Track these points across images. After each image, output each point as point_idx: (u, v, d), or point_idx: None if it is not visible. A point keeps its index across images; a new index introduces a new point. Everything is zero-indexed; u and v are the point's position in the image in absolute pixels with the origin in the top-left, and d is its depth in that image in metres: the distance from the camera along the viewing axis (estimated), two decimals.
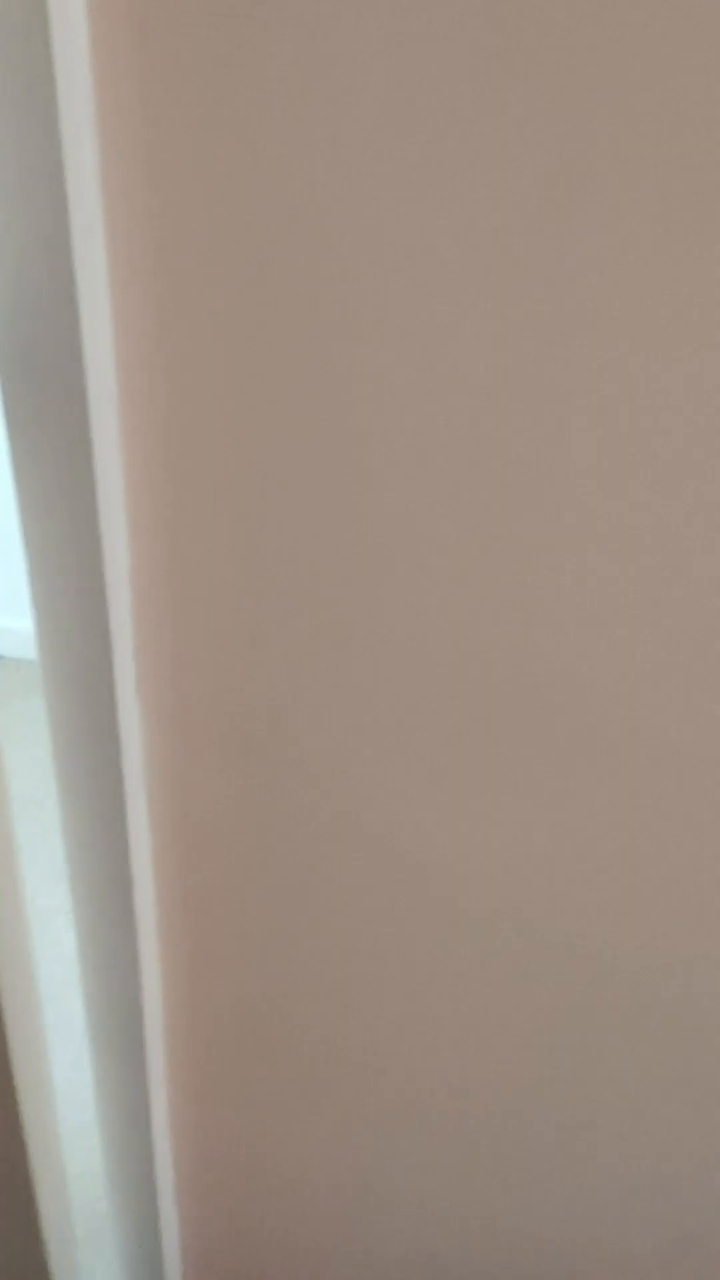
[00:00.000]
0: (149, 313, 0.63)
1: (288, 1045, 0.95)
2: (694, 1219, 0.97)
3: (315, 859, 0.83)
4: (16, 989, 0.78)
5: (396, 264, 0.60)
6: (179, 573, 0.73)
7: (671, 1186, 0.95)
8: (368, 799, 0.79)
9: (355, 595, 0.71)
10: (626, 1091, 0.90)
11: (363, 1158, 1.02)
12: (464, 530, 0.67)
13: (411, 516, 0.68)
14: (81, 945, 0.89)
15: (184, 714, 0.78)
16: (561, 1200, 0.99)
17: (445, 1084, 0.94)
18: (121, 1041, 0.94)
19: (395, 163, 0.57)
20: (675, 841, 0.76)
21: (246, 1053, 0.97)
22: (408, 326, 0.62)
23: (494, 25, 0.54)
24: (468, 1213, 1.03)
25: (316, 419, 0.65)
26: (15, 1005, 0.78)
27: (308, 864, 0.84)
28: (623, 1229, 1.00)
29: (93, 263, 0.59)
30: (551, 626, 0.69)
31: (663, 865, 0.77)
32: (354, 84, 0.56)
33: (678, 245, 0.57)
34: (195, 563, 0.72)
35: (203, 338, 0.64)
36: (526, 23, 0.53)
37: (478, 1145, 0.97)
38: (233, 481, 0.69)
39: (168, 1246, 1.12)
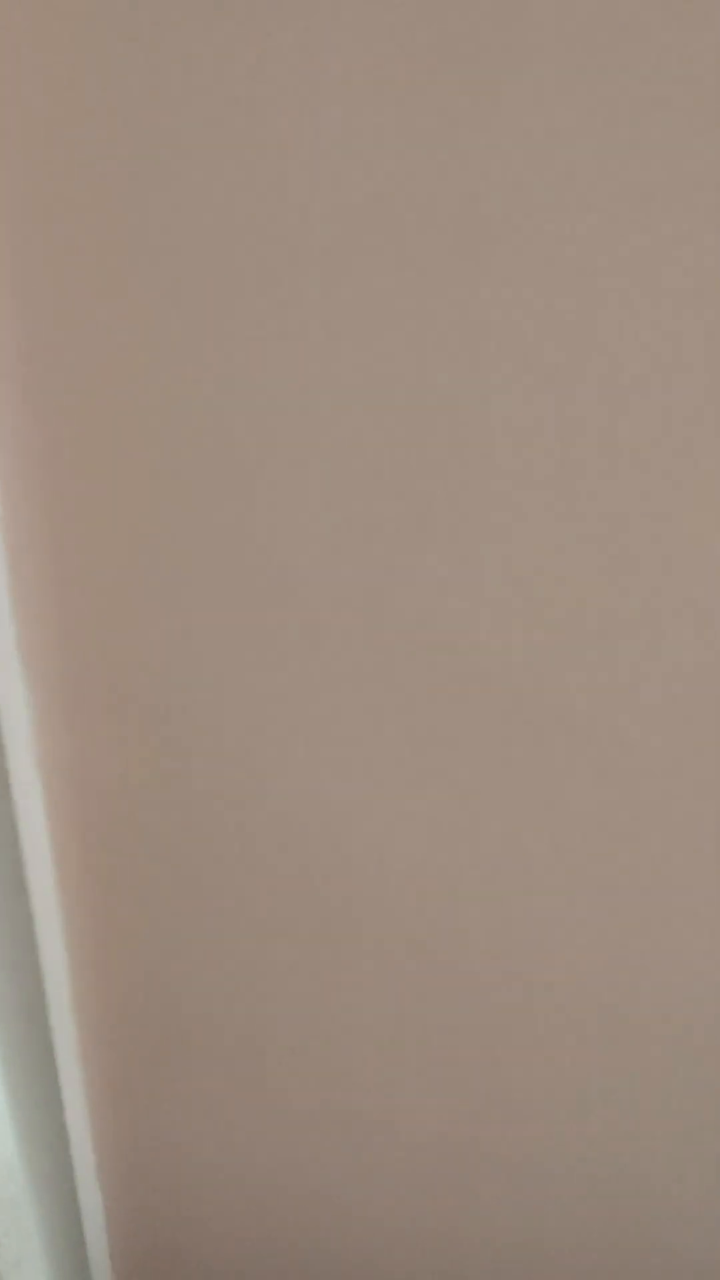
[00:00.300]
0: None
1: (201, 1025, 0.93)
2: (589, 1213, 0.97)
3: (220, 834, 0.80)
4: None
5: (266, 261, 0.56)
6: (58, 528, 0.69)
7: (580, 1179, 0.95)
8: (272, 772, 0.76)
9: (248, 558, 0.68)
10: (542, 1074, 0.89)
11: (282, 1139, 1.00)
12: (360, 494, 0.64)
13: (307, 486, 0.64)
14: None
15: (72, 678, 0.74)
16: (482, 1191, 0.98)
17: (360, 1068, 0.92)
18: (29, 1026, 0.90)
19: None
20: (588, 828, 0.74)
21: (160, 1034, 0.94)
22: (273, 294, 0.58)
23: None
24: (386, 1191, 1.02)
25: (202, 377, 0.62)
26: None
27: (213, 840, 0.80)
28: (541, 1221, 0.99)
29: None
30: (465, 598, 0.66)
31: (576, 852, 0.75)
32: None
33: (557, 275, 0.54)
34: (75, 519, 0.68)
35: (73, 294, 0.60)
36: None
37: (392, 1125, 0.96)
38: (111, 433, 0.65)
39: (90, 1226, 1.09)
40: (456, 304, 0.58)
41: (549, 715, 0.71)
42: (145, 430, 0.65)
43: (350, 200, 0.56)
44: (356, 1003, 0.88)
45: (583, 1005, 0.84)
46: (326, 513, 0.66)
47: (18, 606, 0.71)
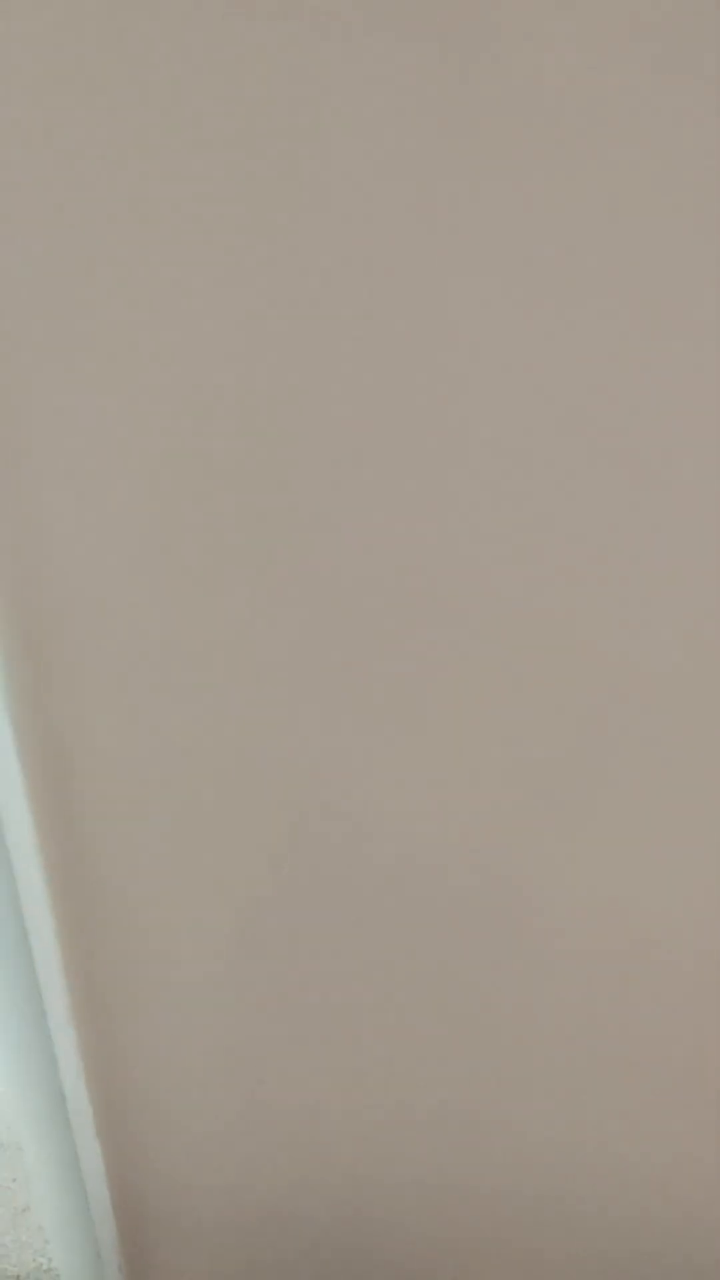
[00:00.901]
0: None
1: (194, 973, 0.92)
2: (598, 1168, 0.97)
3: (207, 781, 0.78)
4: None
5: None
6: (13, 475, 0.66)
7: (583, 1145, 0.94)
8: (266, 725, 0.74)
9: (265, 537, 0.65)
10: (547, 1038, 0.88)
11: (279, 1084, 1.00)
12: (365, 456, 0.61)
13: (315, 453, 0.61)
14: None
15: (39, 623, 0.72)
16: (493, 1146, 0.98)
17: (362, 1020, 0.91)
18: (17, 973, 0.90)
19: None
20: (595, 791, 0.72)
21: (151, 982, 0.94)
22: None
23: None
24: (385, 1144, 1.02)
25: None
26: None
27: (203, 786, 0.79)
28: (546, 1180, 1.00)
29: None
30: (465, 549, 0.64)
31: (580, 812, 0.73)
32: None
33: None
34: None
35: None
36: None
37: (394, 1080, 0.96)
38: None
39: (90, 1175, 1.10)
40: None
41: (548, 670, 0.69)
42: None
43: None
44: (360, 954, 0.87)
45: (590, 973, 0.83)
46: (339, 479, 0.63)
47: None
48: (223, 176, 0.56)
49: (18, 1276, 1.45)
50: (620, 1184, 1.01)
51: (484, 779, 0.75)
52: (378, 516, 0.65)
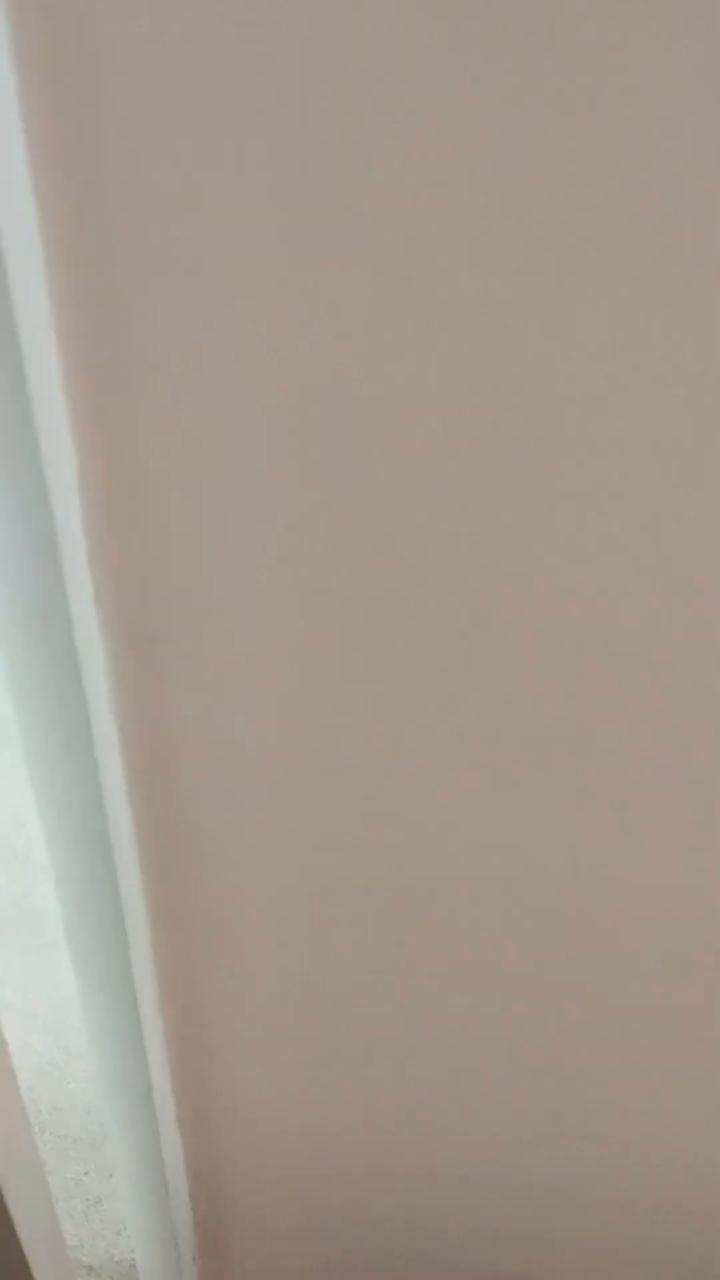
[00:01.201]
0: None
1: (277, 975, 0.93)
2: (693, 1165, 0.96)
3: (290, 793, 0.79)
4: None
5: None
6: (128, 471, 0.67)
7: (666, 1131, 0.94)
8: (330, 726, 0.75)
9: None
10: (616, 1026, 0.88)
11: (356, 1083, 1.01)
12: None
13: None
14: (58, 872, 0.86)
15: (145, 620, 0.73)
16: (563, 1132, 0.98)
17: (434, 1021, 0.92)
18: (112, 976, 0.91)
19: None
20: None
21: (239, 983, 0.95)
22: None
23: None
24: (462, 1142, 1.03)
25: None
26: None
27: (290, 774, 0.80)
28: (622, 1167, 0.99)
29: None
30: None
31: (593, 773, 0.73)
32: None
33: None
34: (147, 457, 0.67)
35: None
36: None
37: (470, 1078, 0.96)
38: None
39: (171, 1169, 1.12)
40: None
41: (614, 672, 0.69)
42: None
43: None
44: (447, 951, 0.88)
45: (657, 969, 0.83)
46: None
47: (93, 564, 0.70)
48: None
49: (91, 1267, 1.47)
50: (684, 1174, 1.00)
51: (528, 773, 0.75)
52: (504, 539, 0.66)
